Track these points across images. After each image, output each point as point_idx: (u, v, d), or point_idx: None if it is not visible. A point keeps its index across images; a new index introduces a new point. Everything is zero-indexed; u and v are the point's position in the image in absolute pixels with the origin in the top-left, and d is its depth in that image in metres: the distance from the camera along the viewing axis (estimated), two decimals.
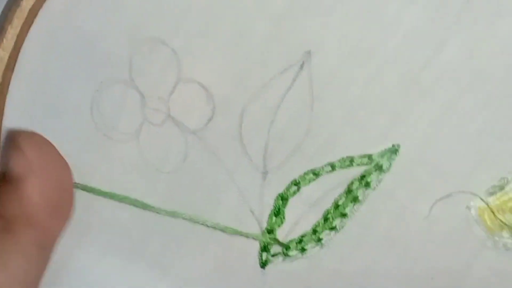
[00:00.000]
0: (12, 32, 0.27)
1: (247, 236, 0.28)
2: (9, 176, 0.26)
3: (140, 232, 0.28)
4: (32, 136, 0.27)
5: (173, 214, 0.28)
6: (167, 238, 0.28)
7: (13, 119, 0.28)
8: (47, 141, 0.27)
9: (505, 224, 0.27)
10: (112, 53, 0.27)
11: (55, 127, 0.28)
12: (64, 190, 0.28)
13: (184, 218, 0.28)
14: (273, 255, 0.28)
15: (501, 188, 0.27)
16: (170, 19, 0.26)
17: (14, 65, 0.27)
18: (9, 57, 0.27)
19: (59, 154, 0.27)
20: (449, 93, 0.26)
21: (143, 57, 0.27)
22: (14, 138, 0.27)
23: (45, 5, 0.27)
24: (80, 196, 0.28)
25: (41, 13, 0.27)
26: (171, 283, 0.28)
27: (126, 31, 0.27)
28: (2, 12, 0.27)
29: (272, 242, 0.28)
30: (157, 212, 0.28)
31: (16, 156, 0.26)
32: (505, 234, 0.28)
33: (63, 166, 0.28)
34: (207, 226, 0.28)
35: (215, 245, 0.28)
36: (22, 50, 0.27)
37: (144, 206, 0.28)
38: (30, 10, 0.27)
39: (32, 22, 0.27)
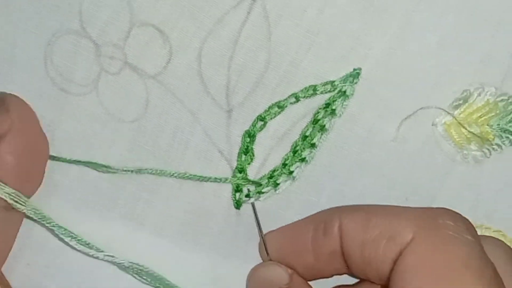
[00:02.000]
0: None
1: (216, 180, 0.28)
2: None
3: (109, 187, 0.28)
4: (19, 100, 0.27)
5: (138, 172, 0.27)
6: (138, 190, 0.28)
7: None
8: (32, 110, 0.27)
9: (473, 135, 0.28)
10: (61, 1, 0.26)
11: (10, 86, 0.27)
12: (38, 158, 0.27)
13: (150, 173, 0.27)
14: (246, 195, 0.28)
15: (465, 100, 0.27)
16: None
17: None
18: None
19: (39, 124, 0.27)
20: (404, 10, 0.26)
21: (93, 4, 0.26)
22: (1, 97, 0.26)
23: None
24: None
25: None
26: (147, 232, 0.28)
27: None
28: None
29: (244, 182, 0.27)
30: (123, 172, 0.27)
31: (0, 113, 0.26)
32: (473, 146, 0.28)
33: (41, 135, 0.27)
34: (175, 177, 0.28)
35: (187, 190, 0.28)
36: None
37: (109, 169, 0.27)
38: None
39: None
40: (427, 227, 0.24)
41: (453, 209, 0.28)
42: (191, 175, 0.28)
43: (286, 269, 0.26)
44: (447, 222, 0.24)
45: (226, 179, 0.28)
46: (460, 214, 0.25)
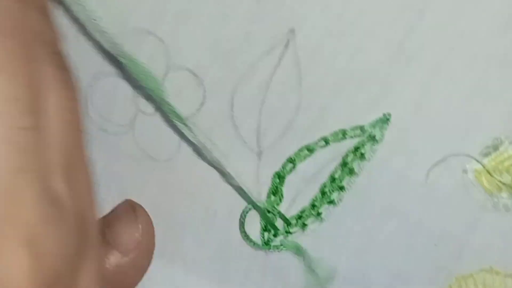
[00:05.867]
0: None
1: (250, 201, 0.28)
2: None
3: None
4: (147, 215, 0.28)
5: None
6: (169, 226, 0.29)
7: None
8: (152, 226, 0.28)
9: (503, 184, 0.27)
10: (101, 46, 0.27)
11: None
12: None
13: None
14: (274, 235, 0.28)
15: (495, 148, 0.27)
16: (153, 8, 0.27)
17: None
18: None
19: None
20: (435, 57, 0.27)
21: (131, 49, 0.28)
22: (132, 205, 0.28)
23: None
24: None
25: None
26: (177, 269, 0.29)
27: (112, 24, 0.27)
28: None
29: (276, 216, 0.28)
30: None
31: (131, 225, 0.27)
32: (504, 194, 0.28)
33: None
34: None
35: (217, 228, 0.28)
36: None
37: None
38: None
39: None
40: None
41: (483, 257, 0.28)
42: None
43: None
44: None
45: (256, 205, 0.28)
46: None
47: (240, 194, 0.28)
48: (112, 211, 0.27)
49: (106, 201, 0.29)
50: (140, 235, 0.26)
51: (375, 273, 0.28)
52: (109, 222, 0.27)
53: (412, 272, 0.28)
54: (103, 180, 0.28)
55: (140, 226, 0.26)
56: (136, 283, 0.27)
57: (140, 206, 0.28)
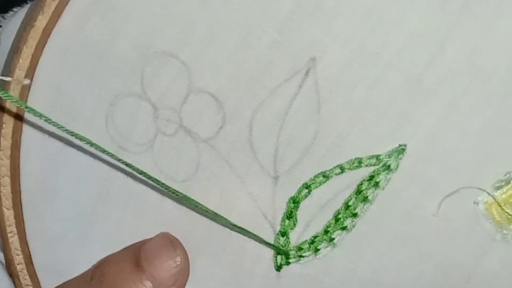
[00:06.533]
0: (27, 51, 0.28)
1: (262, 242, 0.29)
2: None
3: None
4: (184, 250, 0.28)
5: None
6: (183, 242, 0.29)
7: (31, 137, 0.29)
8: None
9: None
10: (124, 67, 0.28)
11: (71, 142, 0.29)
12: None
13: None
14: (287, 258, 0.29)
15: (507, 182, 0.28)
16: (178, 32, 0.27)
17: (30, 84, 0.29)
18: (25, 75, 0.28)
19: None
20: (452, 92, 0.27)
21: (154, 70, 0.28)
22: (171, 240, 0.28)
23: (57, 24, 0.28)
24: None
25: (54, 31, 0.28)
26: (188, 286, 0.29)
27: (136, 46, 0.28)
28: (17, 32, 0.28)
29: (289, 239, 0.29)
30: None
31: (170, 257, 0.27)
32: None
33: None
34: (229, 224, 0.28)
35: (231, 250, 0.29)
36: (37, 69, 0.29)
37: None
38: (43, 29, 0.28)
39: (46, 41, 0.28)
40: None
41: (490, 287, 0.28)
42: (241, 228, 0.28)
43: None
44: None
45: (271, 244, 0.29)
46: None
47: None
48: (149, 243, 0.27)
49: (124, 219, 0.29)
50: (179, 271, 0.26)
51: None
52: (147, 255, 0.27)
53: None
54: (120, 199, 0.29)
55: (179, 261, 0.27)
56: None
57: (178, 241, 0.28)
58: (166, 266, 0.27)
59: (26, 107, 0.23)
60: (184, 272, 0.27)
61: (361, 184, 0.28)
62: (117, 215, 0.29)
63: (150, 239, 0.28)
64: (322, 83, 0.28)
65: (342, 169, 0.28)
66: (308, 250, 0.29)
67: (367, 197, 0.28)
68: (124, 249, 0.28)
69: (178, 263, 0.27)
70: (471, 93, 0.27)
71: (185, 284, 0.28)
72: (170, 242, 0.27)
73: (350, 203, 0.28)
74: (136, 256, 0.27)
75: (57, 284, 0.29)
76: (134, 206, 0.29)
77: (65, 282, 0.29)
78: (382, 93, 0.27)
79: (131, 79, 0.28)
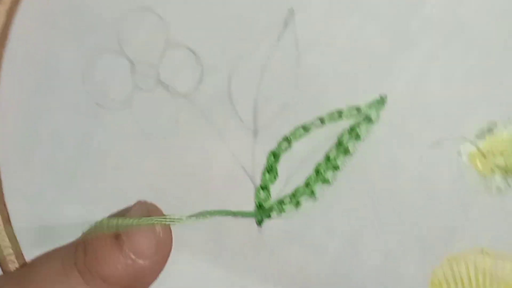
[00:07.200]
0: (1, 8, 0.28)
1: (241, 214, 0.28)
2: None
3: None
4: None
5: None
6: (163, 204, 0.29)
7: (8, 93, 0.28)
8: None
9: (497, 167, 0.28)
10: (100, 22, 0.28)
11: (49, 99, 0.28)
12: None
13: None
14: (268, 215, 0.28)
15: (490, 132, 0.28)
16: None
17: (6, 41, 0.28)
18: (0, 34, 0.28)
19: None
20: (435, 41, 0.27)
21: (131, 25, 0.28)
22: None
23: None
24: None
25: None
26: None
27: (111, 1, 0.27)
28: None
29: (270, 194, 0.28)
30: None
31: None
32: (497, 177, 0.28)
33: None
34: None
35: (211, 207, 0.29)
36: (12, 26, 0.28)
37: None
38: None
39: None
40: None
41: (475, 239, 0.28)
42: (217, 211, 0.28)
43: None
44: None
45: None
46: None
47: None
48: (127, 215, 0.27)
49: (103, 177, 0.29)
50: (158, 242, 0.26)
51: (367, 253, 0.28)
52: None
53: (403, 252, 0.28)
54: (99, 155, 0.28)
55: (158, 233, 0.26)
56: (150, 285, 0.27)
57: (157, 209, 0.27)
58: (144, 237, 0.26)
59: None
60: (165, 240, 0.27)
61: (341, 136, 0.28)
62: (96, 174, 0.29)
63: (129, 209, 0.28)
64: (301, 35, 0.27)
65: (323, 121, 0.28)
66: (290, 204, 0.28)
67: (348, 149, 0.28)
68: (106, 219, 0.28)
69: (157, 233, 0.26)
70: (453, 43, 0.27)
71: (169, 252, 0.27)
72: (147, 212, 0.27)
73: (331, 156, 0.28)
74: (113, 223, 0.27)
75: (37, 245, 0.28)
76: (113, 164, 0.29)
77: (49, 251, 0.28)
78: (362, 44, 0.27)
79: (107, 35, 0.28)
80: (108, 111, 0.28)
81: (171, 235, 0.27)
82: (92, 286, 0.26)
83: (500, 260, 0.28)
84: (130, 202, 0.28)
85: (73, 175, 0.29)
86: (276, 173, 0.28)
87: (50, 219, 0.29)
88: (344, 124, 0.28)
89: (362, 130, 0.28)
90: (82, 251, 0.26)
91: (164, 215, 0.27)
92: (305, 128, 0.28)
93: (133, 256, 0.26)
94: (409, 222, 0.28)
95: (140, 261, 0.26)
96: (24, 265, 0.28)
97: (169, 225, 0.27)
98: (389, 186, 0.28)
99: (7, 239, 0.28)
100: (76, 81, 0.28)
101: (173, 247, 0.28)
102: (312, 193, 0.28)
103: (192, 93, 0.28)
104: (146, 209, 0.27)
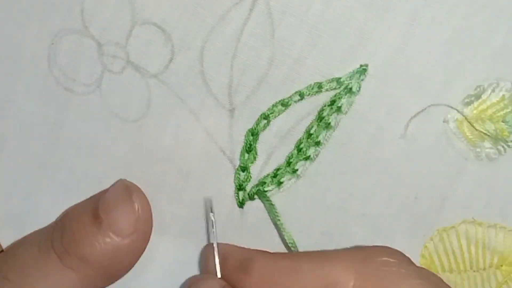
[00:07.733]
0: None
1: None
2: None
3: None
4: (144, 198, 0.27)
5: None
6: (142, 187, 0.28)
7: None
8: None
9: (486, 133, 0.26)
10: (62, 2, 0.26)
11: (15, 85, 0.27)
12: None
13: None
14: (249, 193, 0.27)
15: (478, 97, 0.26)
16: None
17: None
18: None
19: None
20: (413, 3, 0.25)
21: (94, 3, 0.26)
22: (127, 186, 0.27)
23: None
24: None
25: None
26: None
27: None
28: None
29: (250, 174, 0.27)
30: None
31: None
32: (487, 144, 0.27)
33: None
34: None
35: (191, 189, 0.28)
36: None
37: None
38: None
39: None
40: (366, 270, 0.23)
41: (465, 209, 0.27)
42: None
43: None
44: (385, 259, 0.23)
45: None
46: (396, 249, 0.24)
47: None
48: (106, 194, 0.26)
49: (76, 164, 0.28)
50: (137, 219, 0.25)
51: (355, 228, 0.27)
52: (105, 206, 0.26)
53: (392, 225, 0.27)
54: (71, 141, 0.27)
55: (137, 210, 0.26)
56: (132, 265, 0.26)
57: (136, 188, 0.27)
58: (123, 215, 0.26)
59: None
60: (144, 219, 0.26)
61: (322, 110, 0.27)
62: (69, 161, 0.28)
63: (108, 189, 0.27)
64: (274, 4, 0.26)
65: (302, 95, 0.26)
66: (271, 184, 0.27)
67: (329, 123, 0.26)
68: (84, 201, 0.27)
69: (135, 210, 0.26)
70: (434, 4, 0.25)
71: (149, 230, 0.27)
72: (126, 190, 0.26)
73: (312, 131, 0.27)
74: (95, 207, 0.26)
75: (16, 237, 0.28)
76: (86, 150, 0.27)
77: (27, 235, 0.28)
78: (337, 12, 0.26)
79: (70, 14, 0.26)
80: (77, 95, 0.27)
81: (151, 213, 0.27)
82: (71, 267, 0.25)
83: (493, 230, 0.27)
84: (106, 187, 0.28)
85: (46, 165, 0.28)
86: (256, 153, 0.27)
87: (27, 212, 0.28)
88: (324, 97, 0.26)
89: (343, 102, 0.26)
90: (59, 232, 0.26)
91: (143, 194, 0.27)
92: (284, 104, 0.27)
93: (112, 235, 0.25)
94: (398, 194, 0.27)
95: (119, 239, 0.25)
96: (0, 252, 0.27)
97: (148, 202, 0.26)
98: (375, 159, 0.27)
99: None
100: (42, 66, 0.27)
101: (154, 230, 0.27)
102: (294, 171, 0.27)
103: (163, 73, 0.27)
104: (125, 187, 0.26)
